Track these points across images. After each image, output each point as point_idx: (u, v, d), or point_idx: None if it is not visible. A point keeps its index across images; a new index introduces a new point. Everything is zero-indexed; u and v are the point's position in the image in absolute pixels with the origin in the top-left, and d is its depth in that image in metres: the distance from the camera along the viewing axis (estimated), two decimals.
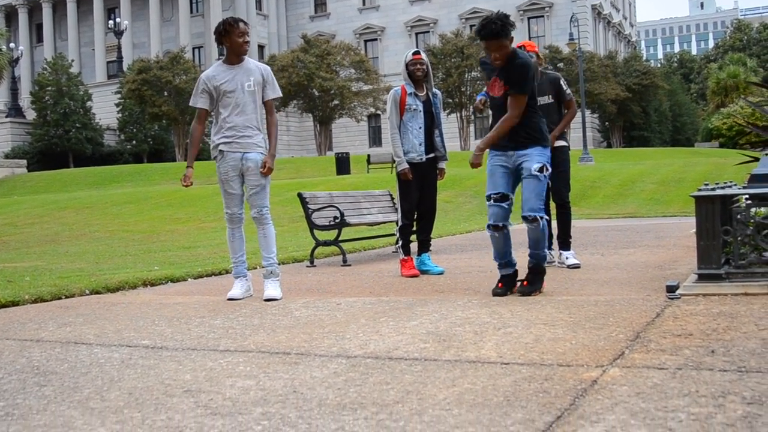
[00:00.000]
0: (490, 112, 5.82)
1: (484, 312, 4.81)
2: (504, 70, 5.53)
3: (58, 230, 20.26)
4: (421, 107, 7.33)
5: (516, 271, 5.72)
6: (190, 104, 6.35)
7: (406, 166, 7.27)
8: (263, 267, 6.26)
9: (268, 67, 6.41)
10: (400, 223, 7.53)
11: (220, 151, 6.21)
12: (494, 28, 5.33)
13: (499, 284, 5.70)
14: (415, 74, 7.31)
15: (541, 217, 5.50)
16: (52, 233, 19.85)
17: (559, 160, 7.39)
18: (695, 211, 5.09)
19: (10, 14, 73.34)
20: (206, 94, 6.22)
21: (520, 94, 5.47)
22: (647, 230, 12.50)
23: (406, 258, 7.39)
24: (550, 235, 7.65)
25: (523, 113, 5.52)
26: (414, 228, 7.66)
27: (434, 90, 7.50)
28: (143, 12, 67.27)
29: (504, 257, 5.70)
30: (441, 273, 7.35)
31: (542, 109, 7.06)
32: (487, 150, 5.75)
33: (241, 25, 6.15)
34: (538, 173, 5.48)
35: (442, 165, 7.53)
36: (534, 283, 5.60)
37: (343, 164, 33.12)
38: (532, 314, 4.63)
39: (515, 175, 5.63)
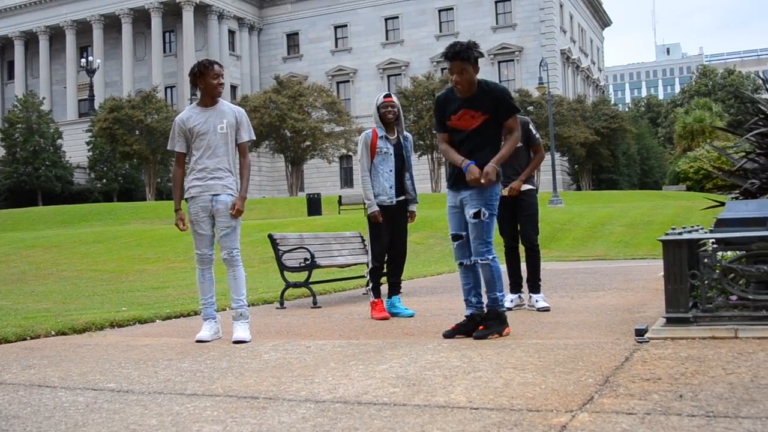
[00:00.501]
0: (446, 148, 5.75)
1: (453, 356, 4.80)
2: (475, 99, 5.53)
3: (25, 269, 19.99)
4: (391, 150, 7.37)
5: (472, 316, 5.70)
6: (168, 148, 6.35)
7: (377, 208, 7.30)
8: (233, 309, 6.19)
9: (242, 110, 6.40)
10: (370, 266, 7.53)
11: (191, 194, 6.18)
12: (458, 49, 5.46)
13: (452, 326, 5.77)
14: (386, 117, 7.37)
15: (486, 260, 5.55)
16: (18, 272, 19.57)
17: (527, 204, 7.49)
18: (663, 255, 5.14)
19: None
20: (182, 136, 6.20)
21: (513, 117, 5.59)
22: (616, 273, 12.58)
23: (376, 300, 7.38)
24: (520, 278, 7.69)
25: (489, 136, 5.58)
26: (384, 270, 7.65)
27: (405, 133, 7.55)
28: (116, 51, 67.31)
29: (465, 294, 5.79)
30: (411, 315, 7.33)
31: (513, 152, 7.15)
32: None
33: (216, 67, 6.17)
34: (474, 219, 5.52)
35: (413, 208, 7.57)
36: (489, 327, 5.56)
37: (314, 205, 33.12)
38: (502, 358, 4.62)
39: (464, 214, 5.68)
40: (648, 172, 67.58)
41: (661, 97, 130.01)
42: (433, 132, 49.24)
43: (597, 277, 11.89)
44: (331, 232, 11.34)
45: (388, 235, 7.41)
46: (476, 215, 5.50)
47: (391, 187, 7.31)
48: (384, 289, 7.59)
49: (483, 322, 5.61)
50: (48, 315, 8.64)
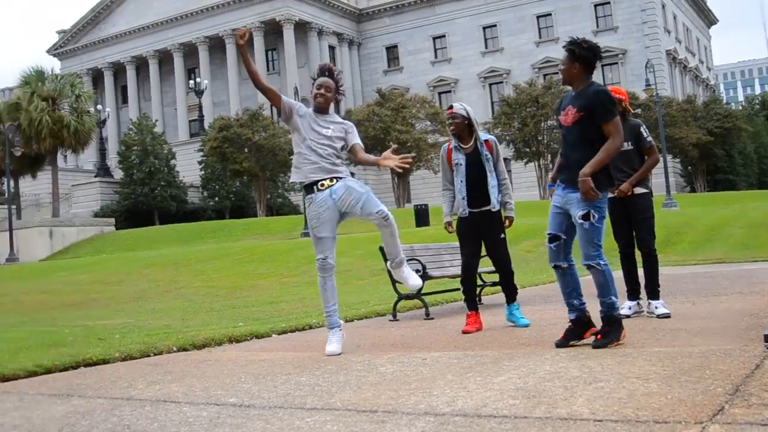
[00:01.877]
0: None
1: (573, 365, 4.70)
2: (578, 96, 5.59)
3: (145, 287, 20.72)
4: (463, 160, 7.25)
5: (578, 318, 5.64)
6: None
7: (446, 221, 7.58)
8: (391, 260, 6.35)
9: (351, 123, 6.57)
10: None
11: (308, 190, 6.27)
12: (571, 47, 5.62)
13: (561, 335, 5.69)
14: (449, 129, 7.34)
15: (597, 264, 5.46)
16: (139, 290, 20.31)
17: (642, 207, 7.31)
18: None
19: (97, 77, 76.37)
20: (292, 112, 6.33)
21: (610, 121, 5.48)
22: (738, 276, 12.10)
23: (469, 312, 7.33)
24: (638, 284, 7.48)
25: (587, 135, 5.53)
26: (498, 281, 7.72)
27: (485, 137, 7.34)
28: (222, 71, 69.23)
29: (565, 298, 5.77)
30: (525, 325, 7.23)
31: (622, 155, 6.98)
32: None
33: (319, 80, 6.34)
34: (582, 221, 5.46)
35: (507, 213, 7.40)
36: (607, 335, 5.44)
37: (422, 216, 33.14)
38: (624, 367, 4.50)
39: (568, 215, 5.63)
40: (766, 171, 64.93)
41: None
42: (539, 139, 48.76)
43: (718, 281, 11.46)
44: (441, 243, 11.30)
45: (475, 247, 7.38)
46: (585, 217, 5.44)
47: (463, 198, 7.24)
48: (493, 299, 7.54)
49: (600, 330, 5.50)
50: (169, 331, 8.91)
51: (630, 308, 7.39)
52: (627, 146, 7.20)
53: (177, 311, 13.78)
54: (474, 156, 7.26)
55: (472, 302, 7.37)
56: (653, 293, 7.31)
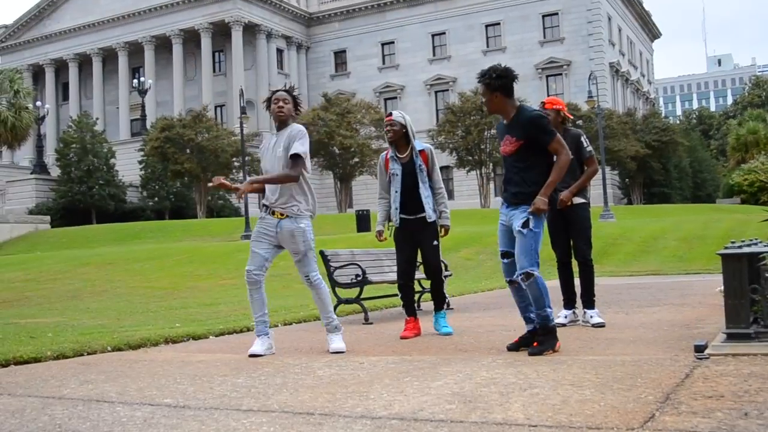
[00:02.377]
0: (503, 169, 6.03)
1: (509, 372, 4.75)
2: (513, 125, 5.70)
3: (80, 286, 20.35)
4: (399, 171, 7.27)
5: (535, 329, 5.73)
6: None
7: (378, 229, 7.58)
8: (325, 324, 6.45)
9: (301, 127, 6.46)
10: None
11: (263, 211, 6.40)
12: (484, 80, 5.73)
13: (515, 339, 5.87)
14: (387, 137, 7.34)
15: (532, 273, 5.52)
16: (74, 289, 19.94)
17: (579, 218, 7.39)
18: (722, 269, 5.03)
19: (38, 73, 74.83)
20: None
21: (553, 140, 5.63)
22: (671, 288, 12.37)
23: (407, 318, 7.39)
24: (574, 293, 7.59)
25: (530, 161, 5.66)
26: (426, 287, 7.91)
27: (421, 147, 7.35)
28: (167, 71, 68.38)
29: (522, 312, 5.90)
30: (446, 334, 7.21)
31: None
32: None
33: (277, 93, 6.42)
34: (521, 229, 5.57)
35: (442, 222, 7.42)
36: (543, 343, 5.54)
37: (363, 221, 33.18)
38: (559, 374, 4.56)
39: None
40: (701, 185, 66.47)
41: (713, 109, 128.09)
42: (482, 147, 49.20)
43: (652, 292, 11.70)
44: (382, 249, 11.32)
45: (410, 254, 7.43)
46: (524, 225, 5.55)
47: (396, 209, 7.29)
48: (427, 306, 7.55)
49: (536, 338, 5.61)
50: (104, 331, 8.77)
51: (566, 317, 7.48)
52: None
53: (112, 311, 13.57)
54: (410, 166, 7.28)
55: (410, 308, 7.42)
56: (589, 303, 7.42)
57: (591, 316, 7.33)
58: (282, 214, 6.22)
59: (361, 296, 9.04)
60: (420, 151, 7.30)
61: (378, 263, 9.71)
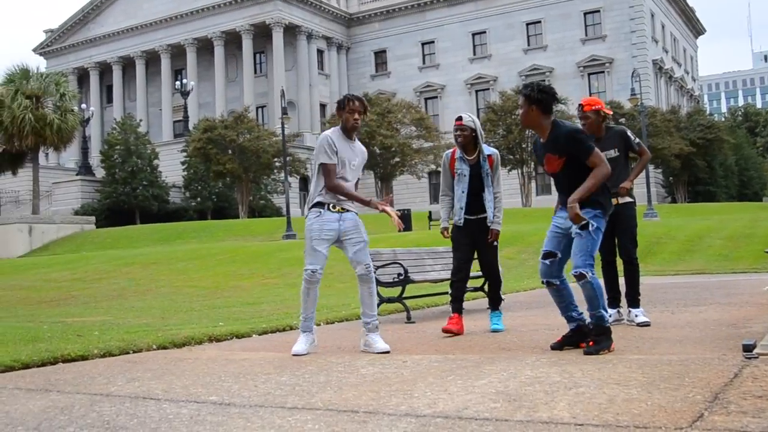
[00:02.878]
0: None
1: (553, 371, 4.71)
2: (552, 143, 5.73)
3: (125, 285, 20.62)
4: (467, 171, 7.39)
5: (578, 327, 5.78)
6: (323, 161, 6.40)
7: (443, 226, 7.60)
8: (366, 324, 6.35)
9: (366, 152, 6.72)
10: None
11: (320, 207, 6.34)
12: (526, 92, 5.76)
13: (558, 338, 5.87)
14: (456, 141, 7.39)
15: (585, 274, 5.54)
16: (119, 288, 20.21)
17: (625, 216, 7.33)
18: None
19: (82, 76, 76.04)
20: (334, 153, 6.38)
21: (590, 155, 5.63)
22: (717, 287, 12.19)
23: (452, 315, 7.42)
24: (618, 293, 7.52)
25: (579, 175, 5.65)
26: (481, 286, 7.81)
27: (488, 151, 7.47)
28: (209, 73, 69.04)
29: (563, 312, 5.91)
30: (495, 330, 7.36)
31: (610, 162, 7.03)
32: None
33: (355, 103, 6.39)
34: (580, 231, 5.59)
35: (493, 226, 7.45)
36: (599, 342, 5.52)
37: (404, 221, 33.10)
38: (604, 374, 4.51)
39: (568, 237, 5.79)
40: (747, 183, 65.43)
41: (759, 105, 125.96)
42: (523, 146, 48.92)
43: (697, 291, 11.53)
44: (424, 248, 11.32)
45: (468, 253, 7.53)
46: (584, 227, 5.58)
47: (461, 208, 7.39)
48: (477, 303, 7.54)
49: (591, 337, 5.59)
50: (149, 330, 8.86)
51: (611, 316, 7.39)
52: (614, 153, 7.25)
53: (157, 310, 13.72)
54: (477, 168, 7.41)
55: (458, 305, 7.44)
56: (633, 302, 7.35)
57: (636, 315, 7.26)
58: (343, 208, 6.31)
59: (403, 295, 9.03)
60: (488, 155, 7.43)
61: (420, 262, 9.70)
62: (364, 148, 6.62)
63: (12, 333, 9.05)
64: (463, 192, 7.38)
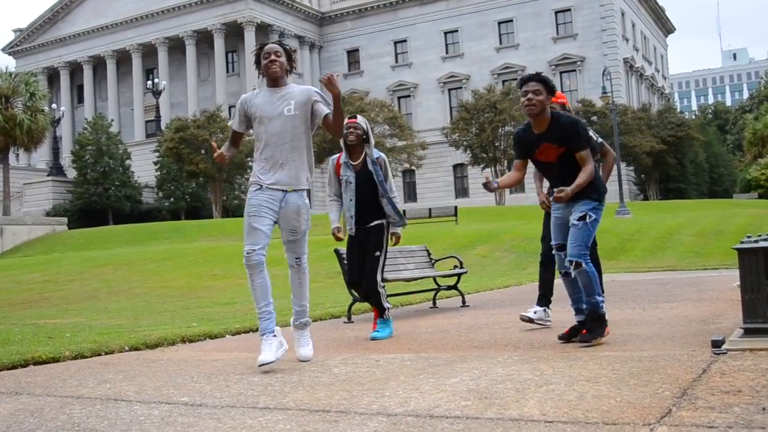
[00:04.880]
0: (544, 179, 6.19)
1: (525, 368, 4.74)
2: (550, 132, 5.77)
3: (98, 287, 20.45)
4: (353, 178, 7.18)
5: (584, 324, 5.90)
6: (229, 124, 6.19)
7: (335, 225, 7.36)
8: (295, 317, 5.74)
9: (311, 87, 5.86)
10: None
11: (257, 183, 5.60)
12: (536, 74, 5.83)
13: (566, 330, 5.99)
14: (347, 139, 7.14)
15: (581, 263, 5.67)
16: (91, 290, 20.03)
17: None
18: (739, 264, 5.01)
19: (52, 76, 75.33)
20: (243, 117, 5.74)
21: (582, 150, 5.76)
22: (688, 284, 12.31)
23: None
24: (550, 292, 7.35)
25: (573, 165, 5.79)
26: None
27: (376, 155, 7.22)
28: (181, 72, 68.67)
29: (574, 303, 6.06)
30: (373, 338, 6.97)
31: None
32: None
33: (268, 46, 5.69)
34: (577, 222, 5.73)
35: (395, 230, 7.37)
36: (592, 330, 5.69)
37: None
38: (575, 371, 4.55)
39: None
40: (717, 180, 66.19)
41: (728, 103, 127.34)
42: (496, 145, 49.11)
43: (668, 288, 11.65)
44: (397, 246, 11.33)
45: (359, 258, 7.35)
46: (581, 218, 5.73)
47: (351, 217, 7.25)
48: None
49: (586, 325, 5.78)
50: (121, 331, 8.81)
51: (535, 312, 7.17)
52: None
53: (130, 311, 13.63)
54: (364, 174, 7.17)
55: (380, 305, 7.22)
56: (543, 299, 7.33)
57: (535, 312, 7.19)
58: (289, 188, 5.53)
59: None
60: (376, 158, 7.21)
61: (393, 261, 9.70)
62: (306, 88, 5.71)
63: None
64: (351, 200, 7.20)
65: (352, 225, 7.29)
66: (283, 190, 5.50)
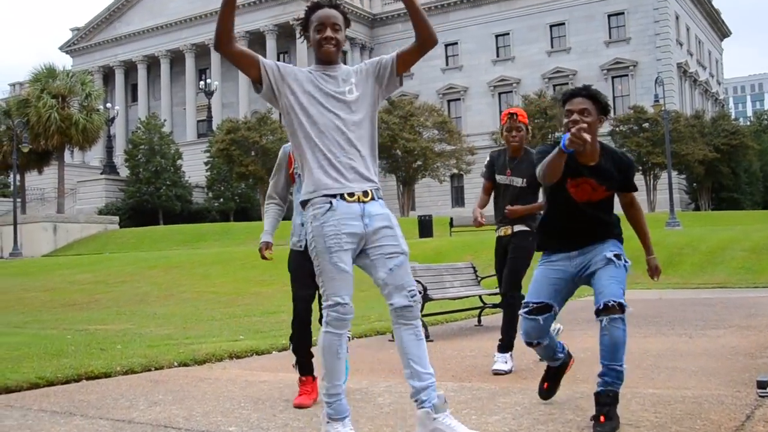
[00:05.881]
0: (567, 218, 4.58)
1: (567, 407, 4.76)
2: (600, 168, 4.43)
3: (148, 290, 20.84)
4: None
5: (564, 364, 4.88)
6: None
7: (264, 239, 5.51)
8: (417, 392, 3.82)
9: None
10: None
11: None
12: (584, 88, 4.46)
13: (545, 384, 4.89)
14: None
15: (626, 307, 4.21)
16: (141, 293, 20.43)
17: (515, 247, 6.56)
18: None
19: (107, 75, 76.80)
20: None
21: (634, 191, 4.69)
22: (737, 306, 12.15)
23: (303, 378, 5.40)
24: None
25: (602, 213, 4.56)
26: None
27: None
28: (232, 72, 69.35)
29: (550, 362, 4.86)
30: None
31: (513, 192, 6.52)
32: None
33: (321, 12, 4.04)
34: (614, 258, 4.39)
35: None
36: (611, 417, 4.14)
37: (425, 227, 33.23)
38: (618, 411, 4.55)
39: (573, 283, 4.58)
40: None
41: None
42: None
43: (717, 310, 11.51)
44: (443, 264, 11.37)
45: (312, 288, 5.16)
46: (618, 257, 4.41)
47: (302, 224, 5.14)
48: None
49: (603, 409, 4.16)
50: (170, 343, 9.01)
51: (506, 362, 6.40)
52: (521, 183, 6.55)
53: (178, 318, 13.89)
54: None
55: (306, 365, 5.40)
56: (504, 346, 6.48)
57: (496, 360, 6.39)
58: (366, 195, 3.93)
59: (422, 313, 9.09)
60: None
61: (439, 279, 9.76)
62: (359, 66, 4.11)
63: (37, 344, 9.24)
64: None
65: (303, 237, 5.30)
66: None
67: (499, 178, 6.68)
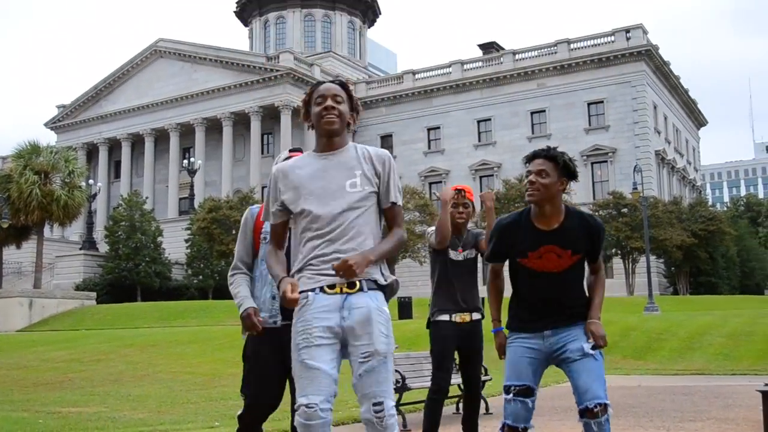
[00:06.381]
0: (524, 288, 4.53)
1: None
2: (563, 232, 4.33)
3: (123, 369, 20.52)
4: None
5: None
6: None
7: (248, 306, 4.53)
8: None
9: (385, 152, 3.98)
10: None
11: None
12: (557, 156, 4.37)
13: None
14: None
15: (609, 407, 4.20)
16: (116, 372, 20.10)
17: (478, 337, 6.51)
18: (762, 405, 5.00)
19: (91, 151, 77.19)
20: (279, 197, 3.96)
21: (600, 261, 4.58)
22: (716, 395, 12.14)
23: None
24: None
25: (573, 282, 4.46)
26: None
27: None
28: (216, 152, 69.97)
29: None
30: None
31: (460, 265, 6.51)
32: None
33: (325, 86, 3.84)
34: (592, 351, 4.30)
35: None
36: None
37: (405, 308, 33.22)
38: None
39: (546, 363, 4.48)
40: (749, 274, 65.36)
41: (761, 195, 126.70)
42: None
43: (695, 400, 11.49)
44: (422, 352, 11.31)
45: (278, 379, 4.55)
46: (595, 348, 4.33)
47: (274, 298, 4.54)
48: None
49: None
50: (144, 430, 8.85)
51: None
52: (470, 254, 6.56)
53: (153, 400, 13.67)
54: None
55: None
56: None
57: None
58: (353, 286, 3.65)
59: (400, 402, 9.03)
60: None
61: (418, 367, 9.72)
62: (371, 150, 3.83)
63: (6, 429, 9.06)
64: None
65: (276, 314, 4.61)
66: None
67: (453, 254, 6.60)
